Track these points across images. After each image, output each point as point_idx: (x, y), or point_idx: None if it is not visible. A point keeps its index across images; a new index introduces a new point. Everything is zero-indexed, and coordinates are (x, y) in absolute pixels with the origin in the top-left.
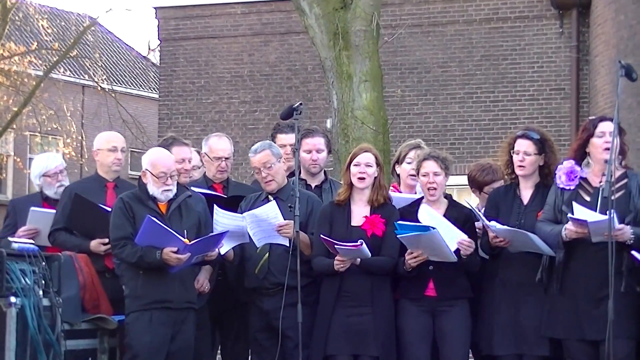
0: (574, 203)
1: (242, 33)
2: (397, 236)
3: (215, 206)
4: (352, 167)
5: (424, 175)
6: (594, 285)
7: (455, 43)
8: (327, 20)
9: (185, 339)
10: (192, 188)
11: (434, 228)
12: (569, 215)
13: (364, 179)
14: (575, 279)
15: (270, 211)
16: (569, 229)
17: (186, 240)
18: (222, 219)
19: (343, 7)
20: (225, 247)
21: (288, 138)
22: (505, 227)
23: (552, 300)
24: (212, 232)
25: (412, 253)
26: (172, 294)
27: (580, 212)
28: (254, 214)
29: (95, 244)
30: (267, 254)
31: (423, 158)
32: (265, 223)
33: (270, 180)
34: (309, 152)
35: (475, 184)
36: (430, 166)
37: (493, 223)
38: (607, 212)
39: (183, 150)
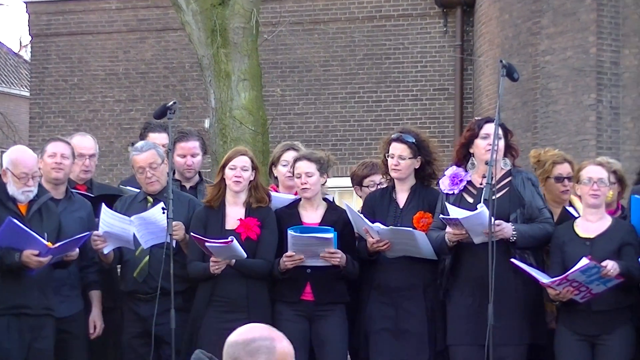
0: (447, 205)
1: (117, 29)
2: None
3: (103, 205)
4: (227, 170)
5: (298, 176)
6: (482, 289)
7: (337, 41)
8: (205, 17)
9: (43, 347)
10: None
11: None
12: (440, 216)
13: (239, 182)
14: (463, 283)
15: (157, 212)
16: (448, 232)
17: (49, 243)
18: (109, 219)
19: (221, 4)
20: (107, 248)
21: (160, 137)
22: (391, 227)
23: (432, 305)
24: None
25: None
26: (30, 299)
27: (453, 212)
28: (142, 217)
29: None
30: (147, 257)
31: (296, 159)
32: (153, 225)
33: (155, 181)
34: (184, 156)
35: (356, 180)
36: (303, 166)
37: (377, 224)
38: (483, 211)
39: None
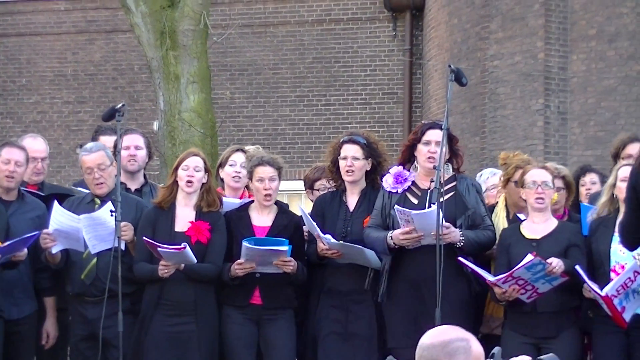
0: (396, 206)
1: (66, 30)
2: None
3: (55, 202)
4: (179, 171)
5: (259, 181)
6: (424, 290)
7: (287, 44)
8: (154, 19)
9: None
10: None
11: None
12: (396, 206)
13: (192, 182)
14: (404, 285)
15: (105, 214)
16: (395, 233)
17: None
18: (60, 216)
19: (171, 6)
20: (56, 248)
21: (111, 140)
22: (341, 242)
23: (381, 308)
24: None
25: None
26: None
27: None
28: (92, 217)
29: None
30: (95, 260)
31: (256, 164)
32: (101, 227)
33: (102, 183)
34: (127, 148)
35: (308, 183)
36: (266, 171)
37: (328, 236)
38: (436, 210)
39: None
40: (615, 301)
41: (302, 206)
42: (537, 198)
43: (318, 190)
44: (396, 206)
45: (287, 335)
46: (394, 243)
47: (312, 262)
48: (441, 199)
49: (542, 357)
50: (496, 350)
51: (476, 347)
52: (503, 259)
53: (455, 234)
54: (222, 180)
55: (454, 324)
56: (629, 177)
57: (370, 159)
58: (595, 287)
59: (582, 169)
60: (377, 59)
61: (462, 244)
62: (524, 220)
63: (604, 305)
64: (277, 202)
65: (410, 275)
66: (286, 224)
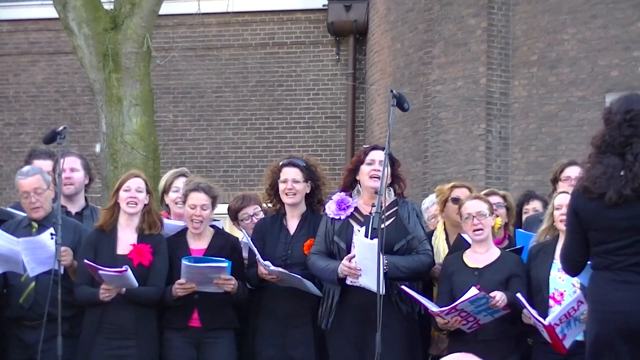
0: (355, 237)
1: (8, 52)
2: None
3: None
4: (121, 192)
5: (192, 207)
6: (371, 316)
7: (230, 68)
8: (97, 41)
9: None
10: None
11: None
12: (356, 236)
13: (135, 204)
14: (350, 312)
15: (46, 238)
16: (342, 266)
17: None
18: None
19: (114, 28)
20: None
21: (45, 164)
22: (280, 269)
23: (320, 332)
24: None
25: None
26: None
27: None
28: (31, 240)
29: None
30: (33, 283)
31: (192, 189)
32: (41, 251)
33: (39, 207)
34: (63, 171)
35: (232, 215)
36: (200, 198)
37: (267, 263)
38: (377, 243)
39: None
40: (557, 329)
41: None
42: (475, 230)
43: (242, 220)
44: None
45: (227, 358)
46: (341, 272)
47: (253, 284)
48: (382, 225)
49: None
50: None
51: None
52: (445, 287)
53: None
54: (167, 205)
55: (397, 348)
56: (569, 200)
57: (309, 181)
58: (538, 317)
59: (526, 196)
60: (320, 82)
61: (386, 269)
62: (468, 246)
63: (544, 332)
64: (212, 226)
65: (356, 302)
66: (223, 244)
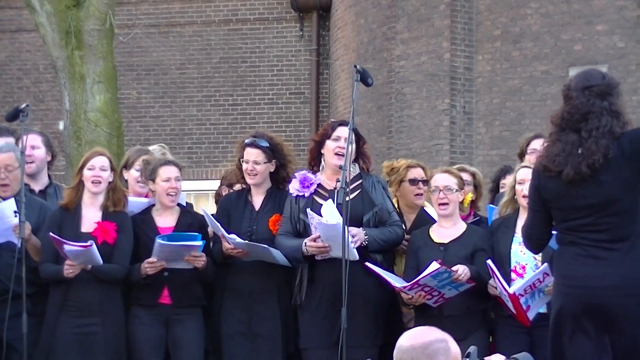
0: (308, 210)
1: None
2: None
3: None
4: (85, 171)
5: (166, 181)
6: (336, 293)
7: (194, 44)
8: (59, 19)
9: None
10: None
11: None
12: (308, 210)
13: (99, 182)
14: (318, 288)
15: (7, 209)
16: (309, 244)
17: None
18: None
19: (76, 5)
20: None
21: (7, 141)
22: (247, 242)
23: (285, 307)
24: None
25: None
26: None
27: (325, 210)
28: None
29: None
30: None
31: (162, 163)
32: (0, 221)
33: (7, 185)
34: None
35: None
36: (172, 171)
37: (233, 236)
38: (342, 219)
39: None
40: (522, 300)
41: (207, 207)
42: (440, 204)
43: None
44: (308, 210)
45: (196, 335)
46: (307, 250)
47: (217, 261)
48: (347, 198)
49: (516, 355)
50: (472, 349)
51: (454, 347)
52: (412, 262)
53: (360, 236)
54: (126, 181)
55: (365, 322)
56: (531, 177)
57: (274, 160)
58: (504, 284)
59: (503, 170)
60: (284, 59)
61: (366, 242)
62: (435, 222)
63: (509, 303)
64: (178, 204)
65: (325, 278)
66: (190, 222)
